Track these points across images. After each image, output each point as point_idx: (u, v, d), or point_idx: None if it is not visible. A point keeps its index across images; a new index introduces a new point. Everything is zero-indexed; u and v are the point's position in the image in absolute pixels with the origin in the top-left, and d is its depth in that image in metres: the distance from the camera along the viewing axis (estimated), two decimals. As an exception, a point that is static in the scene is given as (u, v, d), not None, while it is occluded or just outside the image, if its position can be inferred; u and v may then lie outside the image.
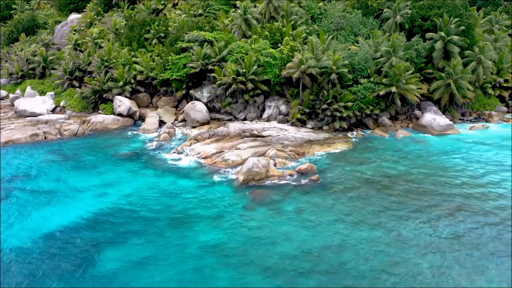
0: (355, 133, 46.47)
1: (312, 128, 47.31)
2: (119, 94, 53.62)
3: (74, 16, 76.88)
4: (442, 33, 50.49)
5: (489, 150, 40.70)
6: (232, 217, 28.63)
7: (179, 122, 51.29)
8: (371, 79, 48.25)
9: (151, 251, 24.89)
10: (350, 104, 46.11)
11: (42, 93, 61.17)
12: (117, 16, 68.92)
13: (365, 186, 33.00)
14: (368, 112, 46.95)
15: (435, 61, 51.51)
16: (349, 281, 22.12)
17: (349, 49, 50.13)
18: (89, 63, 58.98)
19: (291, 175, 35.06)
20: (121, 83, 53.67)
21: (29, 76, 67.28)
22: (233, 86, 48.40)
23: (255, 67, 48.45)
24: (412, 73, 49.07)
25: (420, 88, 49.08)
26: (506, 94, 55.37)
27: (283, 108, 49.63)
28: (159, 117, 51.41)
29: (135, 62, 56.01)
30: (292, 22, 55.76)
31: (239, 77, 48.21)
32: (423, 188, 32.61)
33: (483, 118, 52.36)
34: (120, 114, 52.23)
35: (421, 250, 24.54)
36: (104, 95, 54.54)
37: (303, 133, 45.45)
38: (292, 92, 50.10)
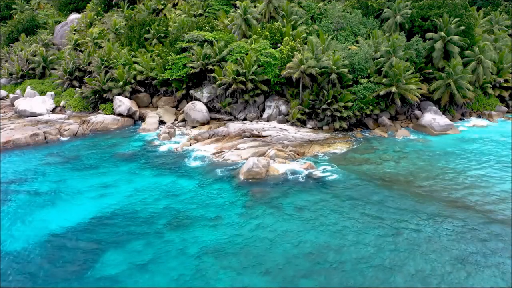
0: (355, 133, 46.46)
1: (312, 128, 47.31)
2: (119, 94, 53.62)
3: (74, 16, 76.88)
4: (442, 33, 50.49)
5: (489, 150, 40.69)
6: (232, 217, 28.65)
7: (179, 122, 51.29)
8: (371, 79, 48.24)
9: (152, 252, 24.89)
10: (350, 104, 46.10)
11: (42, 93, 61.17)
12: (117, 16, 68.93)
13: (365, 186, 33.02)
14: (368, 112, 46.94)
15: (435, 61, 51.51)
16: (350, 280, 22.13)
17: (349, 49, 50.12)
18: (89, 63, 58.99)
19: (291, 174, 35.06)
20: (121, 83, 53.67)
21: (29, 76, 67.28)
22: (233, 86, 48.40)
23: (255, 67, 48.45)
24: (412, 73, 49.07)
25: (420, 88, 49.08)
26: (506, 94, 55.39)
27: (283, 108, 49.63)
28: (159, 117, 51.44)
29: (135, 62, 56.03)
30: (292, 22, 55.75)
31: (239, 77, 48.21)
32: (424, 187, 32.63)
33: (483, 118, 52.35)
34: (120, 114, 52.23)
35: (422, 249, 24.55)
36: (104, 95, 54.54)
37: (303, 133, 45.46)
38: (292, 92, 50.09)
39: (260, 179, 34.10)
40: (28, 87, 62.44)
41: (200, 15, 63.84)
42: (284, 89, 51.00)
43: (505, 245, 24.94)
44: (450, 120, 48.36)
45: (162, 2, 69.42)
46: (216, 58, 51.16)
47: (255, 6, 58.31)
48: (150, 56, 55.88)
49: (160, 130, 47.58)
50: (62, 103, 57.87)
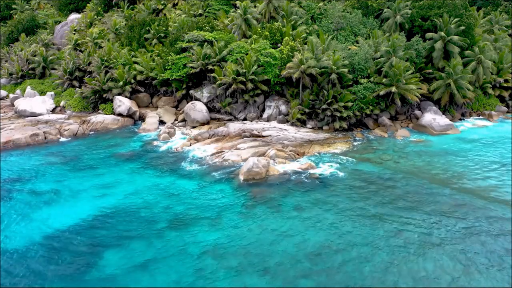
0: (355, 133, 46.45)
1: (312, 128, 47.31)
2: (119, 94, 53.62)
3: (74, 16, 76.89)
4: (442, 33, 50.49)
5: (490, 149, 40.70)
6: (233, 217, 28.65)
7: (179, 122, 51.29)
8: (371, 79, 48.24)
9: (152, 252, 24.89)
10: (350, 104, 46.10)
11: (42, 93, 61.17)
12: (117, 16, 68.93)
13: (365, 186, 33.02)
14: (368, 112, 46.94)
15: (435, 61, 51.51)
16: (350, 281, 22.13)
17: (349, 49, 50.11)
18: (89, 63, 58.99)
19: (291, 174, 35.06)
20: (121, 83, 53.67)
21: (29, 76, 67.28)
22: (233, 86, 48.40)
23: (255, 67, 48.44)
24: (412, 73, 49.06)
25: (420, 88, 49.07)
26: (506, 94, 55.39)
27: (283, 108, 49.63)
28: (159, 117, 51.45)
29: (135, 62, 56.03)
30: (292, 22, 55.75)
31: (239, 77, 48.21)
32: (424, 187, 32.62)
33: (483, 118, 52.36)
34: (120, 114, 52.24)
35: (422, 249, 24.55)
36: (104, 95, 54.54)
37: (303, 133, 45.46)
38: (292, 92, 50.09)
39: (260, 179, 34.10)
40: (28, 87, 62.45)
41: (200, 15, 63.83)
42: (284, 89, 51.00)
43: (504, 245, 25.04)
44: (450, 120, 48.38)
45: (162, 2, 69.42)
46: (216, 58, 51.16)
47: (255, 6, 58.31)
48: (150, 56, 55.88)
49: (160, 130, 47.57)
50: (62, 103, 57.88)
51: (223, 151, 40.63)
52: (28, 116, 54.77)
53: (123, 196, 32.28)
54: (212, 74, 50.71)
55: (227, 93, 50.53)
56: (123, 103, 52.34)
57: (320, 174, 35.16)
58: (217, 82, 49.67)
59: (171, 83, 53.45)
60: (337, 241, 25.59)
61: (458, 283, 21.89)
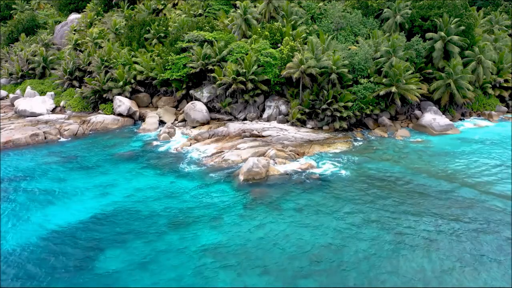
0: (355, 133, 46.45)
1: (312, 128, 47.31)
2: (119, 94, 53.62)
3: (74, 16, 76.89)
4: (442, 33, 50.50)
5: (490, 149, 40.69)
6: (233, 217, 28.64)
7: (179, 122, 51.28)
8: (371, 79, 48.25)
9: (152, 252, 24.88)
10: (350, 104, 46.10)
11: (42, 93, 61.17)
12: (117, 16, 68.94)
13: (366, 186, 33.01)
14: (368, 112, 46.94)
15: (435, 61, 51.52)
16: (350, 281, 22.12)
17: (349, 49, 50.11)
18: (89, 63, 59.00)
19: (291, 174, 35.05)
20: (121, 83, 53.67)
21: (29, 76, 67.29)
22: (233, 86, 48.40)
23: (255, 67, 48.44)
24: (412, 73, 49.07)
25: (420, 88, 49.09)
26: (506, 94, 55.40)
27: (283, 108, 49.63)
28: (159, 117, 51.44)
29: (135, 62, 56.04)
30: (292, 22, 55.75)
31: (239, 77, 48.20)
32: (424, 187, 32.62)
33: (483, 118, 52.37)
34: (120, 114, 52.24)
35: (422, 249, 24.55)
36: (104, 95, 54.55)
37: (303, 133, 45.45)
38: (292, 92, 50.09)
39: (260, 179, 34.09)
40: (28, 87, 62.44)
41: (200, 15, 63.85)
42: (284, 89, 51.00)
43: (504, 245, 25.05)
44: (450, 120, 48.38)
45: (162, 2, 69.42)
46: (216, 58, 51.16)
47: (255, 6, 58.32)
48: (150, 56, 55.89)
49: (160, 130, 47.55)
50: (62, 103, 57.88)
51: (223, 151, 40.63)
52: (28, 116, 54.77)
53: (123, 196, 32.27)
54: (212, 74, 50.72)
55: (227, 93, 50.53)
56: (123, 103, 52.34)
57: (320, 174, 35.16)
58: (217, 82, 49.67)
59: (171, 83, 53.45)
60: (337, 241, 25.58)
61: (462, 283, 21.89)
